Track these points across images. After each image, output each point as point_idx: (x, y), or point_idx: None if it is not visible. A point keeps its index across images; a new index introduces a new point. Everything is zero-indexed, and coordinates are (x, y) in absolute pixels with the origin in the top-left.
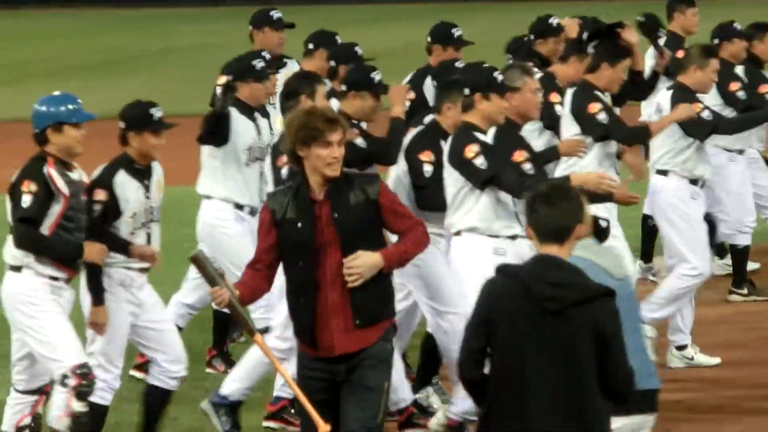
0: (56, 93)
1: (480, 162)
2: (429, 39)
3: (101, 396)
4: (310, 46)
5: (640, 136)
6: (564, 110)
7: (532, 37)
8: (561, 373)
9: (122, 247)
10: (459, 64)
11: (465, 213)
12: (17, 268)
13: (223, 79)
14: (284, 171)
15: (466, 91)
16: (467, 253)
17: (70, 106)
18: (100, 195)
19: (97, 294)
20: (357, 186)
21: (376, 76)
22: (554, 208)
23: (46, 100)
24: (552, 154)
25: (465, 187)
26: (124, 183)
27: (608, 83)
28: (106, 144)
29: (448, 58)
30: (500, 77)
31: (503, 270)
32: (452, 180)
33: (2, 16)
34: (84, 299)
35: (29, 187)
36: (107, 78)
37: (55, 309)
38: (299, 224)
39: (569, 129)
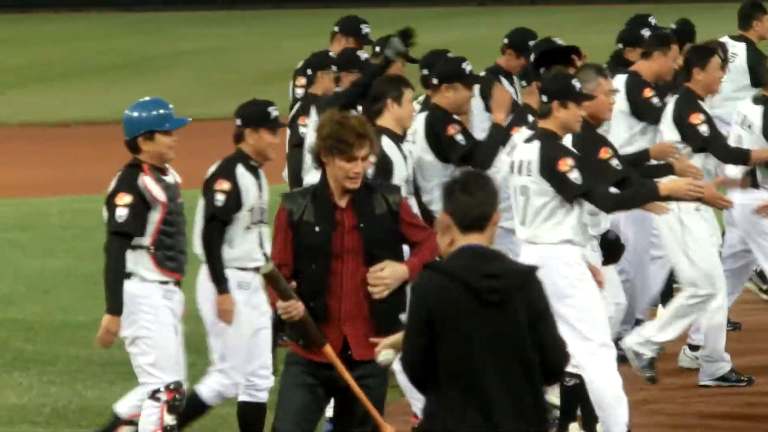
0: (146, 98)
1: (575, 176)
2: (506, 42)
3: (253, 395)
4: (335, 28)
5: (737, 158)
6: (665, 115)
7: (620, 45)
8: (511, 362)
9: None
10: None
11: (556, 224)
12: (127, 275)
13: (302, 80)
14: (368, 173)
15: (544, 98)
16: (566, 264)
17: (162, 112)
18: (224, 185)
19: (220, 282)
20: (380, 196)
21: (467, 67)
22: (473, 197)
23: (136, 107)
24: (642, 156)
25: (555, 199)
26: (244, 175)
27: (704, 87)
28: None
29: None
30: (578, 85)
31: (432, 267)
32: (539, 190)
33: (13, 20)
34: (203, 306)
35: (123, 199)
36: (119, 81)
37: (166, 320)
38: (317, 228)
39: (669, 135)
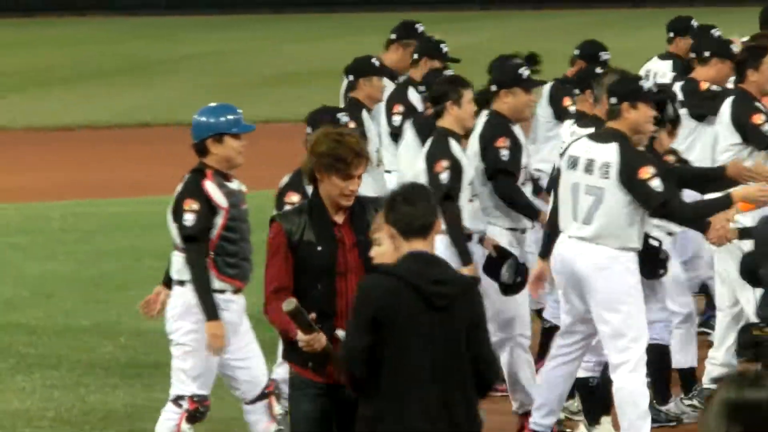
0: (214, 104)
1: (656, 185)
2: (577, 53)
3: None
4: (393, 36)
5: None
6: (719, 119)
7: (692, 55)
8: (449, 369)
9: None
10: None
11: (626, 229)
12: (181, 283)
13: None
14: (444, 176)
15: (613, 100)
16: (628, 271)
17: (230, 117)
18: (293, 197)
19: None
20: (373, 210)
21: (525, 72)
22: (415, 207)
23: (206, 111)
24: (716, 173)
25: (630, 205)
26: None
27: (758, 87)
28: (128, 148)
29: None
30: (647, 85)
31: (381, 270)
32: (615, 194)
33: (15, 24)
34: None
35: (191, 205)
36: (120, 85)
37: None
38: (319, 247)
39: (728, 137)
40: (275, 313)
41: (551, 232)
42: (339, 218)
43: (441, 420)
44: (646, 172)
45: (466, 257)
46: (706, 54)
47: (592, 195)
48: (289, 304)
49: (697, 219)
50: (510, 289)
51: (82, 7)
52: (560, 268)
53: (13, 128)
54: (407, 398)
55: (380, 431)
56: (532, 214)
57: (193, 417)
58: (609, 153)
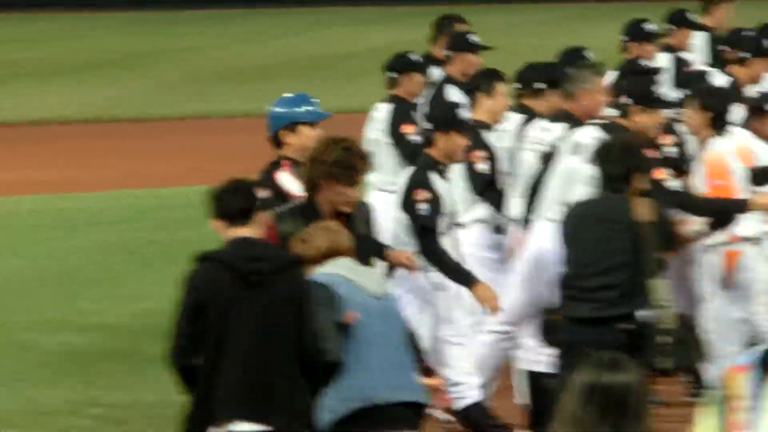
0: (289, 94)
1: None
2: (626, 37)
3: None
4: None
5: None
6: None
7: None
8: (275, 350)
9: None
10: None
11: None
12: None
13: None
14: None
15: (625, 99)
16: None
17: (305, 108)
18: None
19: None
20: (360, 215)
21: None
22: (235, 195)
23: (280, 102)
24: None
25: None
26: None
27: None
28: (95, 144)
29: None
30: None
31: (203, 257)
32: None
33: None
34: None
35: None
36: (85, 81)
37: None
38: None
39: None
40: None
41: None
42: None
43: (261, 400)
44: (660, 173)
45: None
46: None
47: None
48: None
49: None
50: None
51: (44, 4)
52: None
53: None
54: (227, 380)
55: (213, 416)
56: None
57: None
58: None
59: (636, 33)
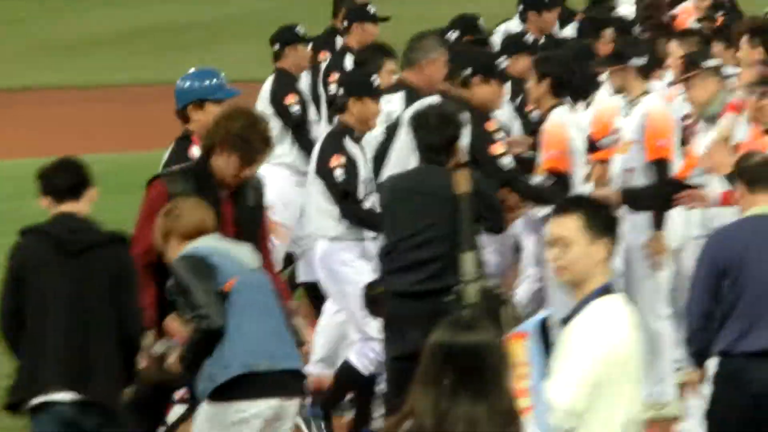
0: (198, 68)
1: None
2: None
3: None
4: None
5: None
6: None
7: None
8: (93, 321)
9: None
10: None
11: None
12: None
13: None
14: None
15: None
16: None
17: (214, 81)
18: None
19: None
20: (251, 188)
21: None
22: (62, 172)
23: (188, 77)
24: None
25: None
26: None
27: None
28: None
29: None
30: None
31: (25, 230)
32: None
33: None
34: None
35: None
36: None
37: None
38: None
39: None
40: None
41: None
42: (223, 193)
43: (79, 369)
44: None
45: None
46: None
47: None
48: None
49: None
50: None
51: None
52: None
53: None
54: (47, 350)
55: (23, 385)
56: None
57: None
58: None
59: (532, 3)
